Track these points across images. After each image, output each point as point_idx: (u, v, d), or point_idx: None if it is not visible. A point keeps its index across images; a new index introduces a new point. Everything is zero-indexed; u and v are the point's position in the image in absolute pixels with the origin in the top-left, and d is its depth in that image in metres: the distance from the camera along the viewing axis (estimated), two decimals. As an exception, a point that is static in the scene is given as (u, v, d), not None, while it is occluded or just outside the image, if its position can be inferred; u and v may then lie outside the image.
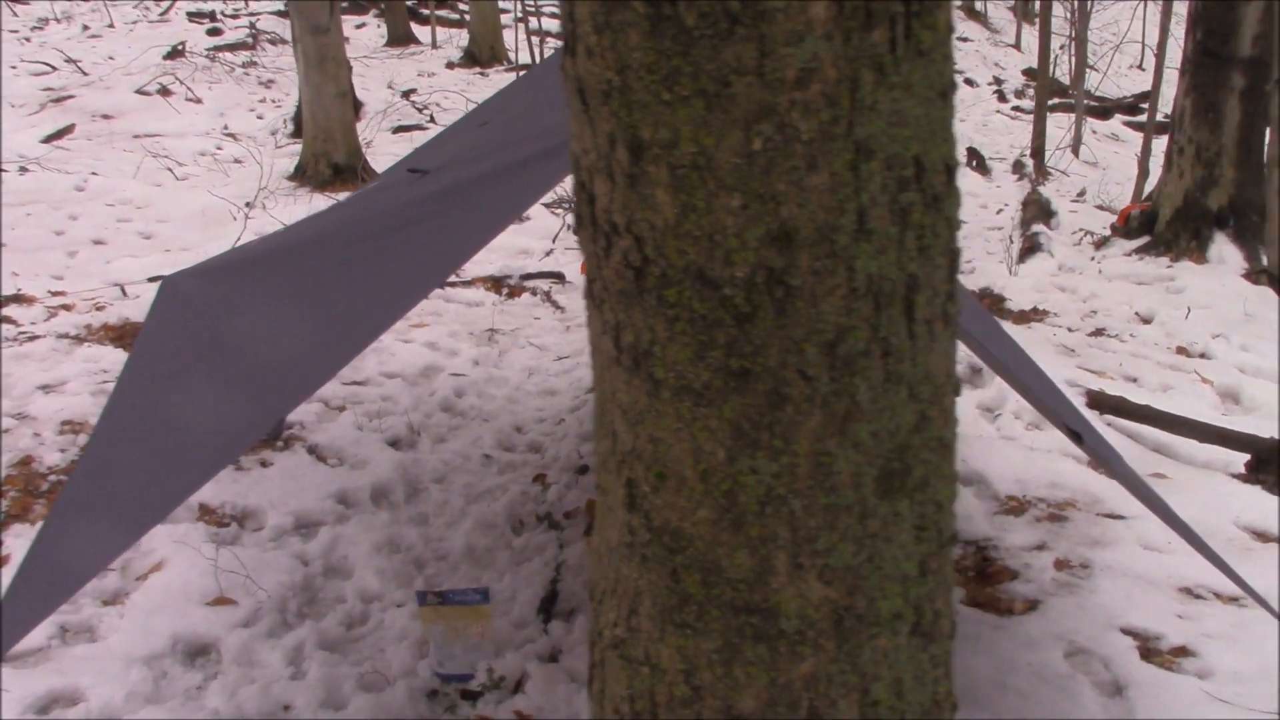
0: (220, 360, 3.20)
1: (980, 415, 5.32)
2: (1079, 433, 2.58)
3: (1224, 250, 7.99)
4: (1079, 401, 5.33)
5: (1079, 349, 6.39)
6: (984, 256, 8.77)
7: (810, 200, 1.04)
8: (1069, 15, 21.09)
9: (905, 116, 1.09)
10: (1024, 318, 7.04)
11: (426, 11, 22.89)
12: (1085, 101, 20.40)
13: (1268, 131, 8.00)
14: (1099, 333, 6.77)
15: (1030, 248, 8.59)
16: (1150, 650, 3.53)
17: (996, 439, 4.95)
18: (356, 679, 3.83)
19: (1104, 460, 2.76)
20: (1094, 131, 18.22)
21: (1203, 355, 6.48)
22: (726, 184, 1.03)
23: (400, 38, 21.45)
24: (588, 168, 1.09)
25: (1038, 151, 13.94)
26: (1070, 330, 6.80)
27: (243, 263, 4.10)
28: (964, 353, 5.82)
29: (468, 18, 21.74)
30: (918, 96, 1.09)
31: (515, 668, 3.79)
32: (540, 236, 9.01)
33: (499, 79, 19.48)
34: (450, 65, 20.02)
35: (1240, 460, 4.85)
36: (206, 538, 4.58)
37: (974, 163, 14.00)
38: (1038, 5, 26.55)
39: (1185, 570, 4.02)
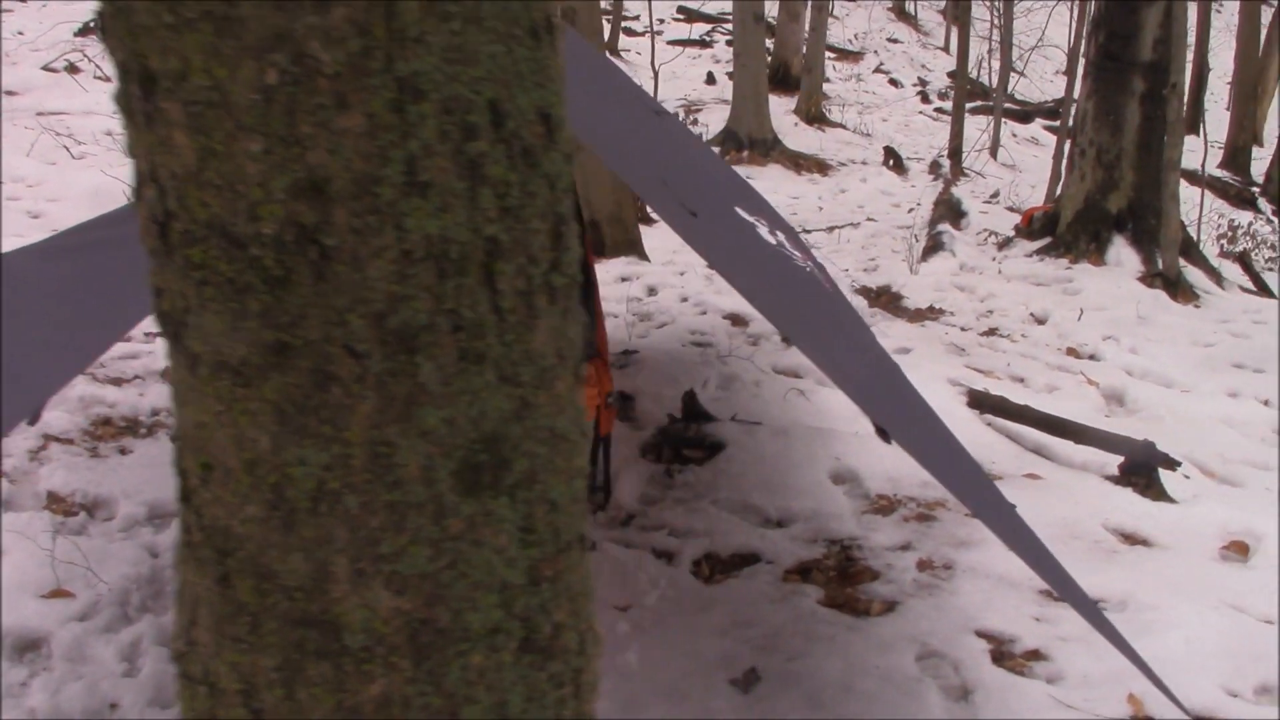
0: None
1: (859, 412, 5.26)
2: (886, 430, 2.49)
3: (1122, 253, 8.04)
4: (959, 401, 5.30)
5: (969, 348, 6.37)
6: (889, 255, 8.76)
7: (343, 146, 0.90)
8: (995, 19, 21.25)
9: (472, 54, 0.96)
10: (919, 316, 7.02)
11: None
12: (1007, 105, 20.59)
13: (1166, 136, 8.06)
14: (991, 332, 6.76)
15: (933, 247, 8.59)
16: (1003, 653, 3.47)
17: (872, 436, 4.88)
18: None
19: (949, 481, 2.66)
20: (1014, 135, 18.39)
21: (1092, 357, 6.50)
22: (245, 124, 0.89)
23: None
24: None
25: (955, 153, 14.02)
26: (963, 329, 6.78)
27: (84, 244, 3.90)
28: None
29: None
30: (492, 32, 0.96)
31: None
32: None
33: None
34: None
35: (1115, 462, 4.83)
36: (51, 527, 4.38)
37: (890, 162, 14.06)
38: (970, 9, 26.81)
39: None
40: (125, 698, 3.58)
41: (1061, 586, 2.39)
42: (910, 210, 11.35)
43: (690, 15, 27.39)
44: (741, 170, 13.16)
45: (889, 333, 6.40)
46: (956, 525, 4.25)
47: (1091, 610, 2.47)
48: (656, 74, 14.93)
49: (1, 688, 3.52)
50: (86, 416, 5.27)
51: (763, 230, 3.75)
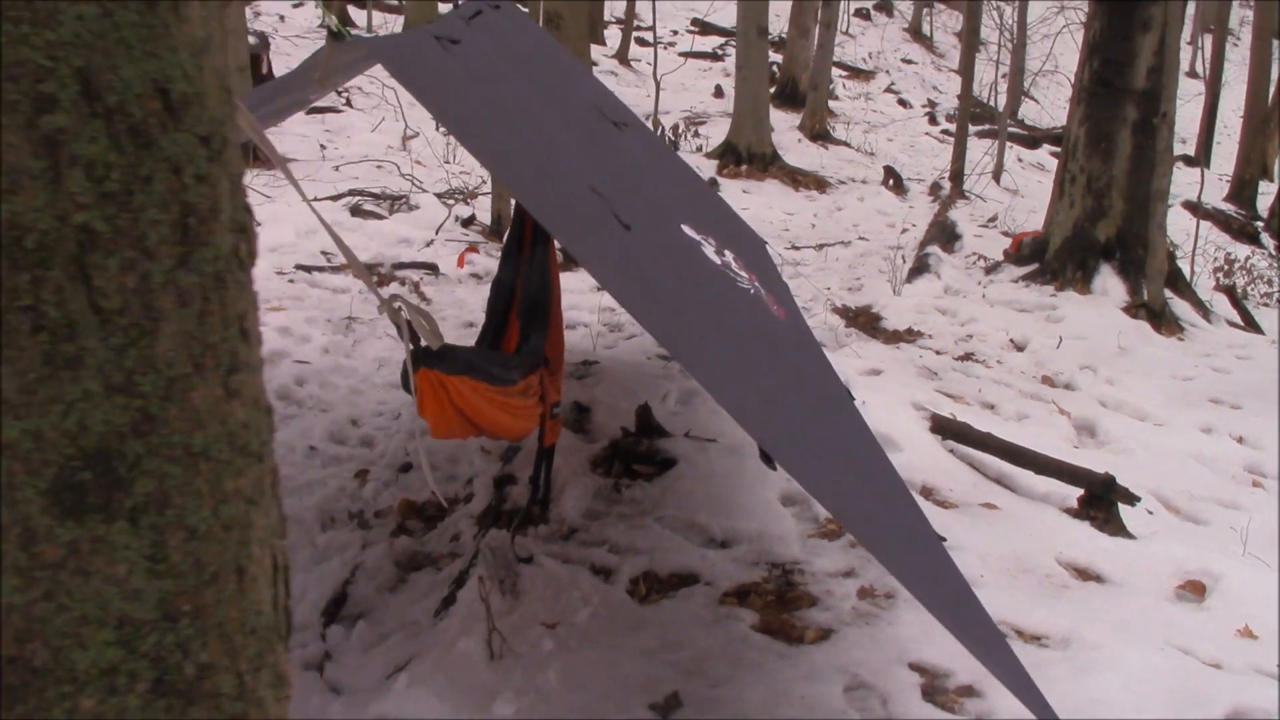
0: None
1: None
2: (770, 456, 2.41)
3: (1108, 282, 7.94)
4: (922, 425, 5.21)
5: (943, 372, 6.28)
6: (875, 275, 8.67)
7: None
8: (1008, 44, 21.17)
9: (50, 15, 0.85)
10: (896, 338, 6.93)
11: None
12: (1015, 130, 20.49)
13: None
14: (967, 357, 6.67)
15: (919, 268, 8.50)
16: (935, 688, 3.38)
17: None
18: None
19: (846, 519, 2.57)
20: (1019, 159, 18.29)
21: (1067, 386, 6.40)
22: None
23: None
24: None
25: (956, 175, 13.92)
26: (939, 353, 6.69)
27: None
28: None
29: (405, 3, 21.41)
30: (81, -7, 0.86)
31: (274, 674, 3.55)
32: (425, 226, 8.77)
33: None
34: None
35: (1076, 495, 4.74)
36: None
37: (890, 182, 13.97)
38: (984, 34, 26.71)
39: (992, 607, 3.85)
40: None
41: (965, 631, 2.29)
42: (904, 231, 11.26)
43: (704, 28, 27.38)
44: (738, 184, 13.10)
45: (862, 354, 6.31)
46: (904, 553, 4.16)
47: (1003, 664, 2.37)
48: (658, 84, 14.86)
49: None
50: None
51: (708, 249, 3.68)
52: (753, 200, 12.50)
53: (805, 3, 18.15)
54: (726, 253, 3.84)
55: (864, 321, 7.13)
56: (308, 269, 7.55)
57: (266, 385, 4.41)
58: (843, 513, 2.27)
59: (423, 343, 2.93)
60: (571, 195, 2.92)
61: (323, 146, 11.32)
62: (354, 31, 20.38)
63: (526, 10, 8.97)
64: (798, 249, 10.10)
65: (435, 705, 3.18)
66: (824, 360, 3.97)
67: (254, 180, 10.00)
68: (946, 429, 5.15)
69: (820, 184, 13.63)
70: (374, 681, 3.41)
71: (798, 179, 13.54)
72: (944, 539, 4.20)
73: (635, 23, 28.06)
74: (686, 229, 3.76)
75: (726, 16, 27.08)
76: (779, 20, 22.88)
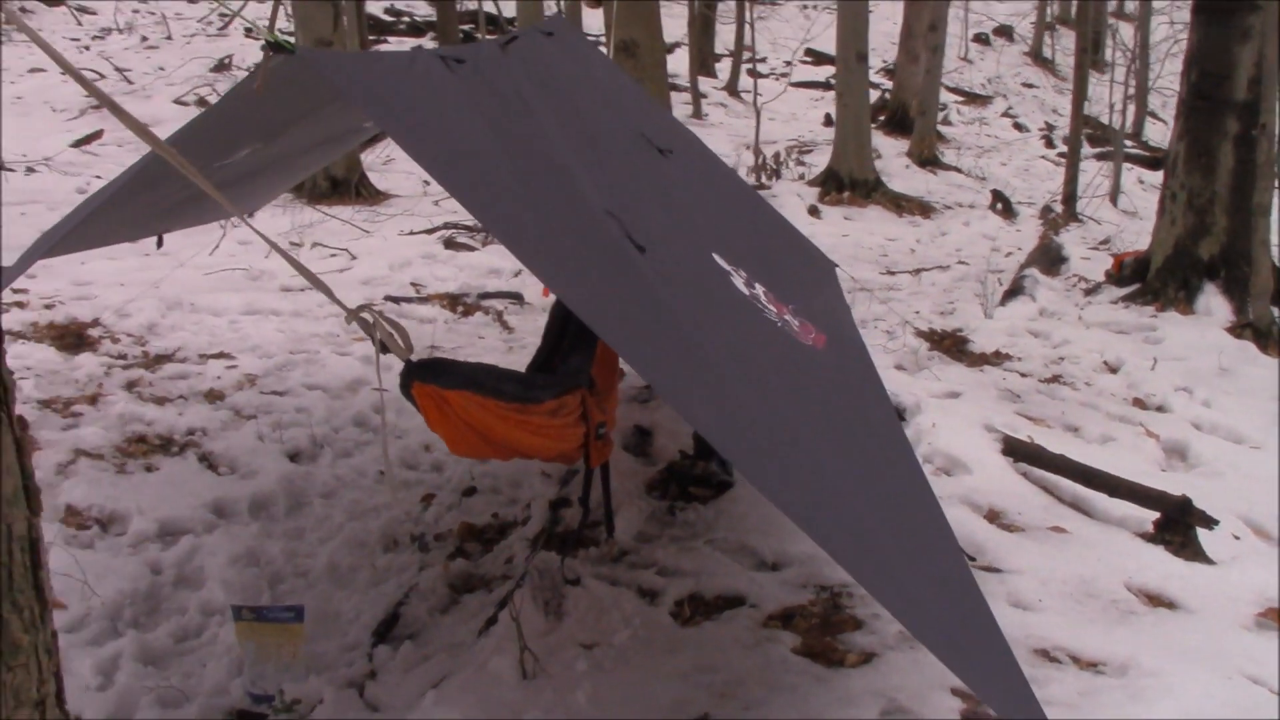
0: None
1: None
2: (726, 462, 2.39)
3: (1212, 301, 7.63)
4: (994, 448, 5.07)
5: (1026, 395, 6.10)
6: (970, 299, 8.49)
7: None
8: (1132, 65, 20.63)
9: None
10: (981, 360, 6.76)
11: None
12: (1137, 151, 19.93)
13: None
14: (1055, 379, 6.47)
15: (1014, 291, 8.30)
16: (974, 715, 3.27)
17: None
18: (155, 695, 3.69)
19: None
20: (1140, 181, 17.76)
21: (1160, 408, 6.16)
22: None
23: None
24: None
25: (1068, 198, 13.57)
26: (1024, 376, 6.51)
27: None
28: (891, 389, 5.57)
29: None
30: None
31: (316, 692, 3.61)
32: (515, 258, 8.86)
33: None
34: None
35: (1153, 519, 4.56)
36: (63, 540, 4.48)
37: (998, 206, 13.68)
38: (1108, 54, 26.08)
39: (1049, 631, 3.75)
40: (88, 710, 3.61)
41: (963, 660, 2.20)
42: (1008, 255, 11.01)
43: (817, 58, 27.27)
44: (840, 211, 12.98)
45: (942, 376, 6.17)
46: (959, 577, 4.04)
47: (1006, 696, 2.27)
48: (759, 113, 14.85)
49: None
50: (122, 433, 5.40)
51: (736, 280, 3.67)
52: (853, 227, 12.38)
53: (914, 28, 17.95)
54: (757, 285, 3.82)
55: (949, 344, 6.97)
56: (396, 300, 7.71)
57: (346, 412, 4.48)
58: (825, 537, 2.21)
59: (413, 356, 2.95)
60: (568, 218, 2.93)
61: (425, 183, 11.57)
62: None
63: (598, 35, 9.03)
64: (893, 274, 9.96)
65: (461, 723, 3.19)
66: (869, 387, 3.90)
67: (354, 215, 10.28)
68: (1019, 451, 5.01)
69: (924, 209, 13.42)
70: (409, 700, 3.44)
71: (901, 205, 13.36)
72: (972, 558, 4.08)
73: (746, 54, 28.21)
74: (717, 258, 3.75)
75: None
76: (892, 47, 22.70)
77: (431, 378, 2.97)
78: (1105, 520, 4.72)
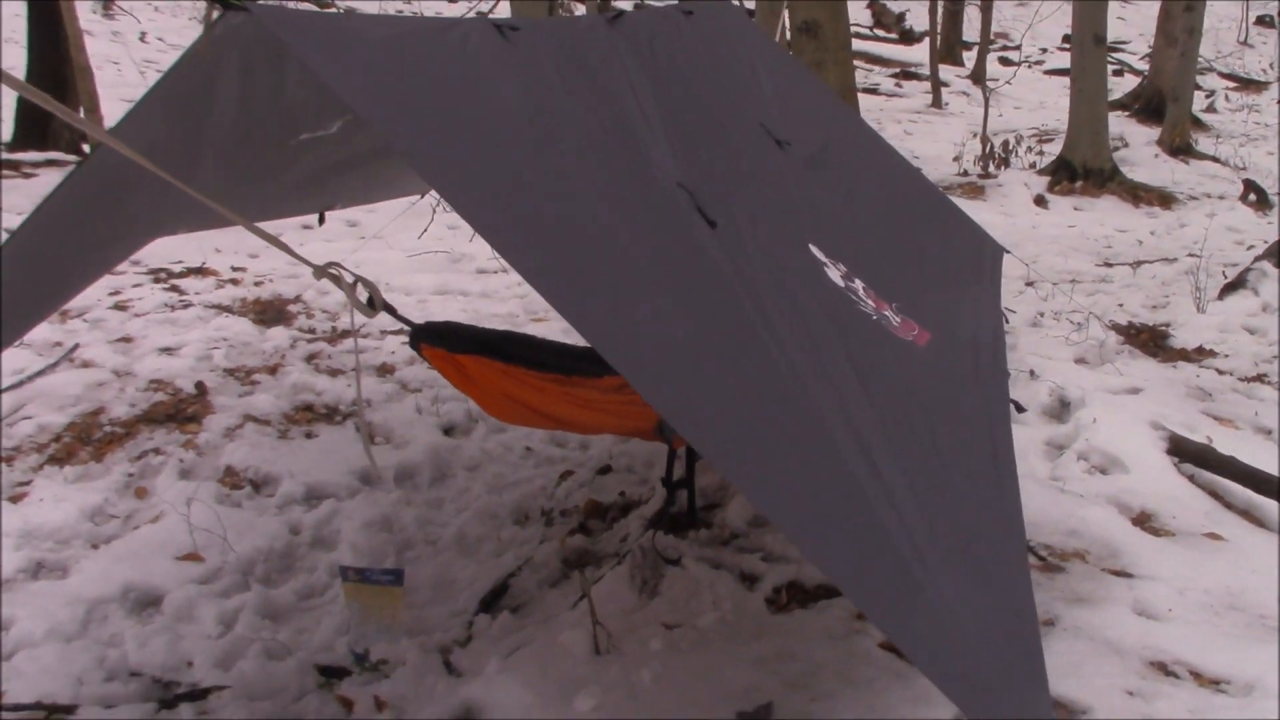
0: None
1: (1040, 451, 4.79)
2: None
3: None
4: (1158, 447, 4.70)
5: (1220, 393, 5.62)
6: (1188, 293, 7.89)
7: None
8: None
9: None
10: (1178, 356, 6.27)
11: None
12: None
13: None
14: (1258, 379, 5.93)
15: (1235, 284, 7.65)
16: (1058, 724, 3.04)
17: (1029, 478, 4.41)
18: (262, 645, 3.86)
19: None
20: None
21: (1377, 417, 5.56)
22: None
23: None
24: None
25: (1335, 187, 12.42)
26: (1222, 373, 6.00)
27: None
28: (1050, 385, 5.26)
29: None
30: None
31: (407, 654, 3.70)
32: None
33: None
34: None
35: (1332, 530, 4.13)
36: (215, 498, 4.75)
37: (1252, 197, 12.65)
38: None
39: (1170, 644, 3.44)
40: (199, 657, 3.82)
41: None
42: (1249, 249, 10.18)
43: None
44: (1070, 201, 12.32)
45: (1125, 371, 5.76)
46: (1084, 579, 3.77)
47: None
48: (987, 101, 14.32)
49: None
50: (292, 402, 5.68)
51: (832, 273, 3.55)
52: (1081, 218, 11.72)
53: (1171, 9, 16.83)
54: (856, 280, 3.68)
55: (1146, 338, 6.50)
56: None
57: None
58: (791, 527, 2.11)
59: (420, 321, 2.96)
60: (623, 192, 2.87)
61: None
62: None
63: (760, 13, 8.76)
64: (1110, 265, 9.37)
65: (519, 693, 3.20)
66: (976, 384, 3.71)
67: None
68: (1185, 451, 4.62)
69: (1165, 200, 12.56)
70: (482, 667, 3.47)
71: (1139, 195, 12.55)
72: (1050, 562, 3.80)
73: (1002, 41, 27.20)
74: (814, 249, 3.64)
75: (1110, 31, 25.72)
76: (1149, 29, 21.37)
77: (439, 341, 2.98)
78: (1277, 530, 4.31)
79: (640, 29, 3.95)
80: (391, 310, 3.13)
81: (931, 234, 4.88)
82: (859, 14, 29.74)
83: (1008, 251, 5.76)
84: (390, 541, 4.61)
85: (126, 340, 6.19)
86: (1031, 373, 5.48)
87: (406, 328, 3.52)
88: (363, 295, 2.93)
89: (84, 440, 5.08)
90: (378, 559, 4.46)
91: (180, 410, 5.41)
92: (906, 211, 4.89)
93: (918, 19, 27.58)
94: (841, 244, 3.97)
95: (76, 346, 5.95)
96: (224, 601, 4.14)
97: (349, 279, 2.88)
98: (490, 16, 2.95)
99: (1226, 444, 4.88)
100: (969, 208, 11.88)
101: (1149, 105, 18.17)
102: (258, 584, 4.28)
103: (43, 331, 5.82)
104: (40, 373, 5.57)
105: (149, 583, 4.17)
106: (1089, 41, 12.57)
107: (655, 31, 4.05)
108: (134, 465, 4.91)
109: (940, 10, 23.53)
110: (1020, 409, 4.21)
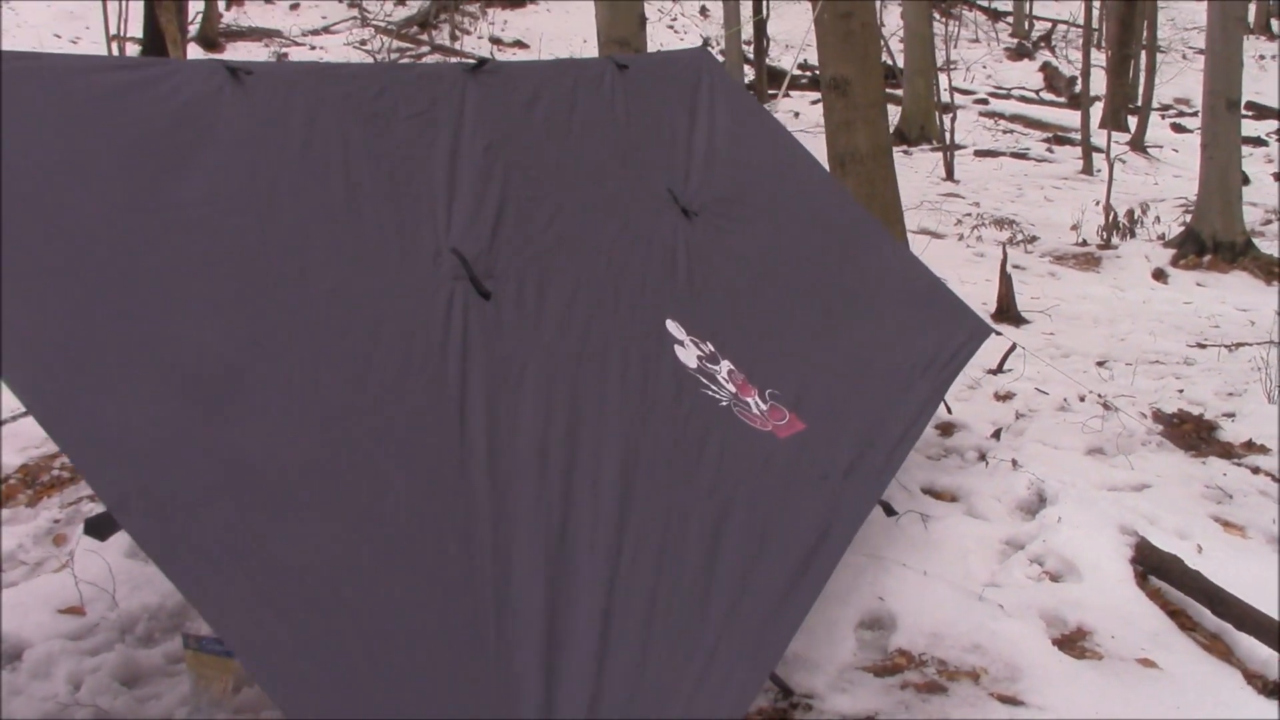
0: None
1: (993, 551, 4.32)
2: None
3: None
4: (1125, 554, 4.19)
5: (1241, 496, 4.99)
6: (1263, 380, 7.14)
7: None
8: None
9: None
10: (1217, 449, 5.62)
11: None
12: None
13: None
14: (1297, 481, 5.26)
15: (1320, 374, 6.89)
16: None
17: (950, 583, 3.96)
18: (93, 712, 3.73)
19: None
20: None
21: None
22: None
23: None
24: None
25: None
26: (1258, 472, 5.34)
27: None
28: (1030, 477, 4.77)
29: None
30: None
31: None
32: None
33: (922, 157, 18.78)
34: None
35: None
36: (127, 550, 4.67)
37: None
38: None
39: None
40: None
41: None
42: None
43: (1259, 111, 24.67)
44: (1193, 276, 11.47)
45: (1140, 466, 5.19)
46: (961, 704, 3.32)
47: None
48: (1111, 168, 13.56)
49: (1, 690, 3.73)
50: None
51: (683, 351, 3.28)
52: (1201, 294, 10.87)
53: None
54: (722, 362, 3.39)
55: (1188, 429, 5.85)
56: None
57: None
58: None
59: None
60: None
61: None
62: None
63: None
64: (1203, 347, 8.60)
65: None
66: (841, 482, 3.38)
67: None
68: (1148, 560, 4.09)
69: (1302, 278, 11.57)
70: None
71: (1273, 271, 11.59)
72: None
73: (1179, 105, 25.92)
74: (672, 325, 3.36)
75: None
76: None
77: None
78: (1248, 659, 3.75)
79: (516, 83, 3.75)
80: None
81: (879, 317, 4.49)
82: (1030, 78, 28.91)
83: (997, 333, 5.35)
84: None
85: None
86: (1014, 462, 4.99)
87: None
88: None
89: (28, 484, 5.10)
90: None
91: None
92: (854, 292, 4.52)
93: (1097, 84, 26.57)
94: (723, 323, 3.68)
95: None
96: (85, 660, 4.03)
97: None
98: (233, 61, 2.68)
99: (1221, 554, 4.34)
100: (1077, 280, 11.23)
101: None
102: (133, 643, 4.15)
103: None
104: (15, 417, 5.65)
105: (19, 635, 4.09)
106: (1221, 106, 11.75)
107: (541, 86, 3.85)
108: (62, 512, 4.89)
109: (1105, 76, 22.62)
110: (891, 512, 3.79)
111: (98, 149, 2.27)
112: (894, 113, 21.58)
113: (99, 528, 2.37)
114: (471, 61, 3.56)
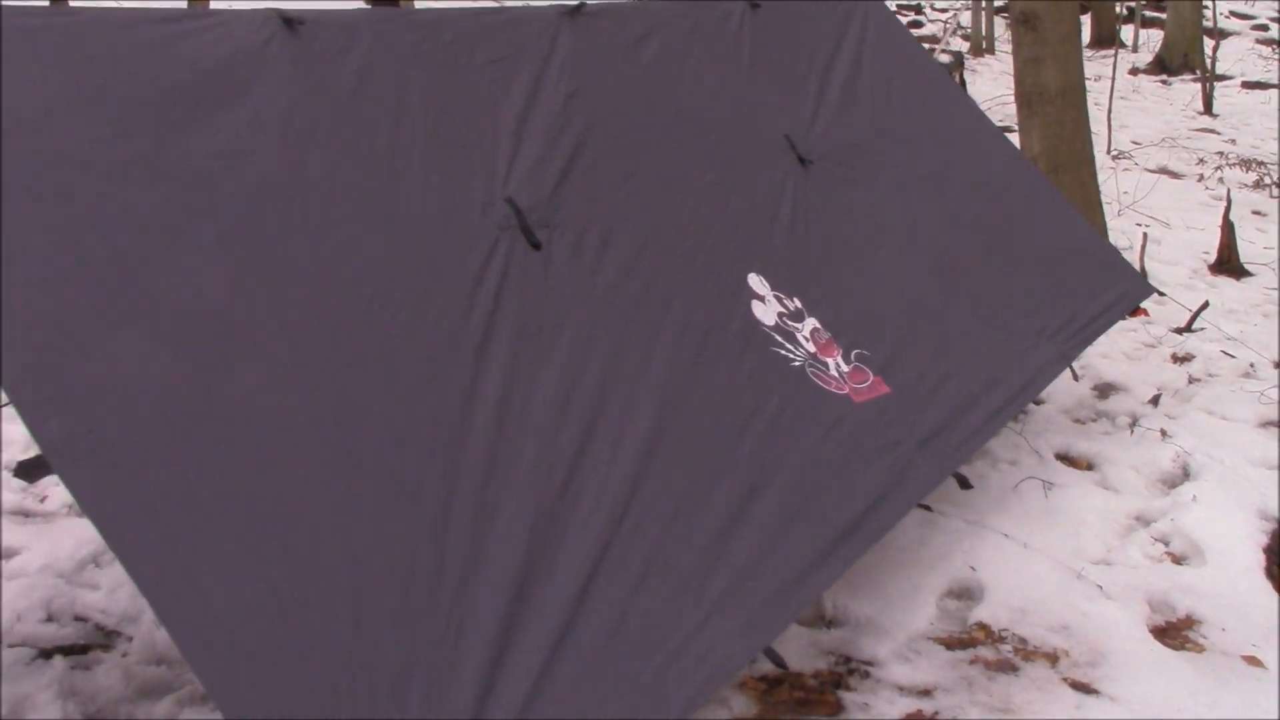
0: None
1: (1117, 527, 4.10)
2: None
3: None
4: (1255, 541, 3.91)
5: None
6: None
7: None
8: None
9: None
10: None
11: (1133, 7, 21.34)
12: None
13: None
14: None
15: None
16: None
17: (1052, 557, 3.78)
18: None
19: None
20: None
21: None
22: None
23: (1103, 38, 20.24)
24: None
25: None
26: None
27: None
28: (1177, 449, 4.50)
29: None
30: None
31: None
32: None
33: (1182, 88, 17.54)
34: (1134, 71, 18.51)
35: None
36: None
37: None
38: None
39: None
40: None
41: None
42: None
43: None
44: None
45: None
46: (1026, 687, 3.21)
47: None
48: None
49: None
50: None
51: (761, 308, 3.24)
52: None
53: None
54: (807, 320, 3.32)
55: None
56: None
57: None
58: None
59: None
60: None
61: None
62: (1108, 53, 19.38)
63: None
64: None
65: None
66: (911, 452, 3.28)
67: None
68: (1281, 550, 3.82)
69: None
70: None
71: None
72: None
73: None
74: (755, 280, 3.32)
75: None
76: None
77: None
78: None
79: (623, 25, 3.72)
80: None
81: (1012, 278, 4.27)
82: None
83: (1160, 293, 5.02)
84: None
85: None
86: (1162, 432, 4.70)
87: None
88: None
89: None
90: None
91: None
92: (988, 250, 4.31)
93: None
94: (819, 278, 3.60)
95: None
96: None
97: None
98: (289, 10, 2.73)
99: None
100: None
101: None
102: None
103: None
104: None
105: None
106: None
107: (653, 27, 3.81)
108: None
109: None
110: (966, 485, 3.62)
111: (125, 101, 2.38)
112: (1155, 39, 20.22)
113: (28, 471, 2.50)
114: (571, 3, 3.53)
